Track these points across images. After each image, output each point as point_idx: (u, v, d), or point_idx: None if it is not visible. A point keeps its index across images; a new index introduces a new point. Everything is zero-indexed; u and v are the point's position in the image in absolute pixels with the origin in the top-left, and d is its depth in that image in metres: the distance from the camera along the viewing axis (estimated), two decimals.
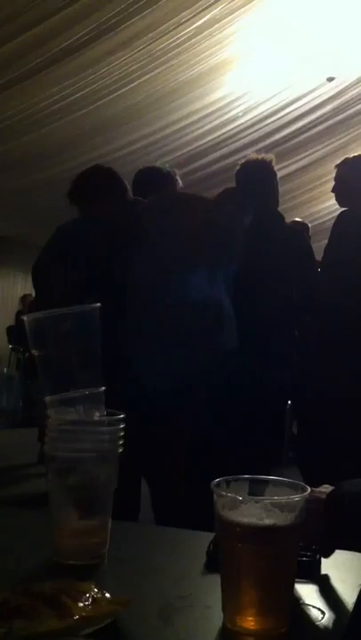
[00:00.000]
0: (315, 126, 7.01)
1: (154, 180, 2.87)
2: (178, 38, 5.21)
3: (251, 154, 3.11)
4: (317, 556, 0.89)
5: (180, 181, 2.97)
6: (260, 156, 2.94)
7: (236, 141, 7.10)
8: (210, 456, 2.42)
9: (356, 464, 2.83)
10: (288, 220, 3.24)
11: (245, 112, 6.52)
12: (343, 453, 2.77)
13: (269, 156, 2.94)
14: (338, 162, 3.07)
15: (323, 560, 0.90)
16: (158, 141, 6.84)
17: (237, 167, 2.95)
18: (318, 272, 2.97)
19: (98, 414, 0.95)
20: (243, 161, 2.96)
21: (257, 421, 2.63)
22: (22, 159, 6.68)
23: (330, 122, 6.98)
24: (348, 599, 0.79)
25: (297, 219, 4.30)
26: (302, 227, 3.97)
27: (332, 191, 3.01)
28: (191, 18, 4.98)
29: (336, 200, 3.00)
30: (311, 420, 3.02)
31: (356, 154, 3.08)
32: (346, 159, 3.03)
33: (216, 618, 0.73)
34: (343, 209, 2.99)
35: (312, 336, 2.85)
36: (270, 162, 2.88)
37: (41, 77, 5.34)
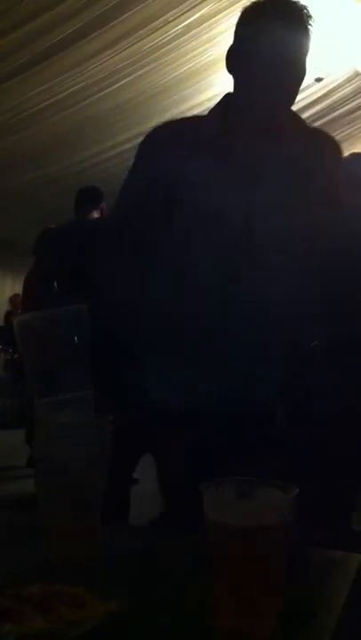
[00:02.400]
0: None
1: None
2: (166, 36, 5.21)
3: None
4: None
5: None
6: None
7: None
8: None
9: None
10: None
11: None
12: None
13: None
14: None
15: (313, 559, 0.90)
16: None
17: None
18: None
19: (86, 416, 0.95)
20: None
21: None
22: (8, 160, 6.65)
23: (318, 122, 7.01)
24: (338, 599, 0.80)
25: None
26: None
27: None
28: (180, 16, 4.98)
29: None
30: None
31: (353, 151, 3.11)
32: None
33: (208, 619, 0.73)
34: None
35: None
36: None
37: (27, 76, 5.31)
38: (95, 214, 3.68)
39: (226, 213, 1.38)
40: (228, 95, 1.52)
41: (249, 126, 1.43)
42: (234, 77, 1.47)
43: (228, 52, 1.47)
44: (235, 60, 1.46)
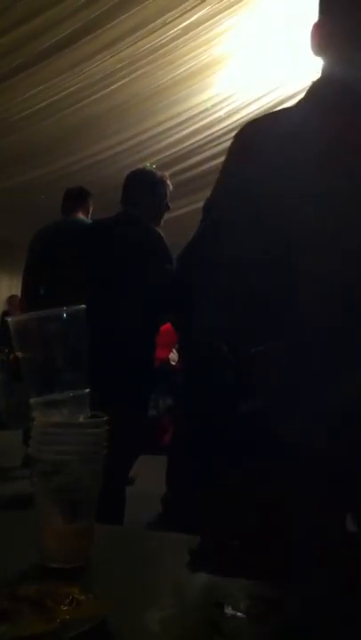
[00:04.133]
0: None
1: (146, 182, 2.98)
2: (164, 38, 5.21)
3: None
4: None
5: (170, 185, 3.06)
6: None
7: (223, 143, 7.11)
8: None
9: None
10: None
11: (232, 113, 6.54)
12: None
13: None
14: None
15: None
16: (144, 142, 6.83)
17: None
18: None
19: (82, 416, 0.94)
20: None
21: None
22: (5, 160, 6.65)
23: None
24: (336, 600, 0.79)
25: None
26: None
27: None
28: (177, 18, 4.99)
29: None
30: None
31: None
32: None
33: (202, 619, 0.73)
34: None
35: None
36: None
37: (24, 77, 5.32)
38: (81, 214, 3.71)
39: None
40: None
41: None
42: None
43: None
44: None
